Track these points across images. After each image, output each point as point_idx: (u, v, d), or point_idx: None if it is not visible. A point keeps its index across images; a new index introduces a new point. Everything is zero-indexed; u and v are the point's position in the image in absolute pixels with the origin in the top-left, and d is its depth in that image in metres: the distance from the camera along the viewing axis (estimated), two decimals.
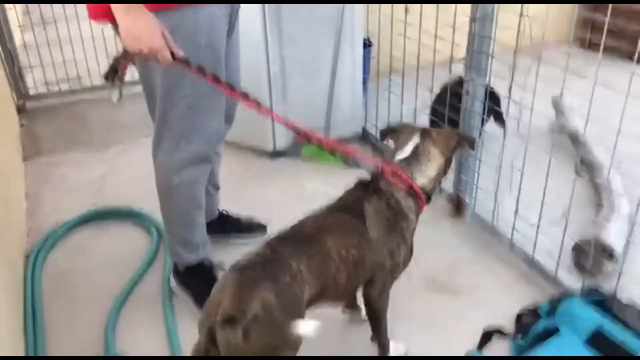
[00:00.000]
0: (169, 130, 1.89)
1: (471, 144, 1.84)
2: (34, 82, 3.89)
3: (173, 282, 2.23)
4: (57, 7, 3.76)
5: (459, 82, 2.57)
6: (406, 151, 1.77)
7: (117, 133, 3.56)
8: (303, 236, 1.57)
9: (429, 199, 1.78)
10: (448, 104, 2.64)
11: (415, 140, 1.77)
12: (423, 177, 1.74)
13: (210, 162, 2.05)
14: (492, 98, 2.62)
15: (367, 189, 1.71)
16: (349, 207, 1.68)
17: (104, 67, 1.76)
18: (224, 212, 2.51)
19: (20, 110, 3.76)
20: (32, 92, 3.88)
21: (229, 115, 2.13)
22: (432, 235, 2.57)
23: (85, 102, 3.99)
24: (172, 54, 1.64)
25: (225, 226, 2.46)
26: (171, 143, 1.91)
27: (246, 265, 1.44)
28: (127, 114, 3.72)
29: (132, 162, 3.21)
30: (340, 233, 1.60)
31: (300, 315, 1.45)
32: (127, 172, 3.12)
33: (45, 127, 3.67)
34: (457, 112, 2.56)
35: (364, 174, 1.80)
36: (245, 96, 1.78)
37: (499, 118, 2.81)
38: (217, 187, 2.41)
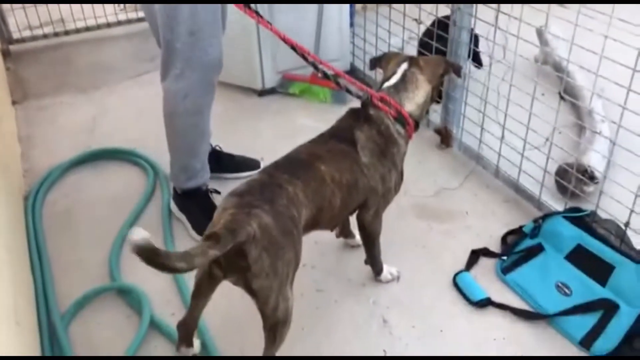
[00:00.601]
0: (175, 58, 1.96)
1: (457, 70, 1.90)
2: (17, 26, 3.83)
3: (173, 206, 2.35)
4: None
5: (447, 17, 2.59)
6: (394, 79, 1.82)
7: (104, 75, 3.54)
8: (298, 162, 1.63)
9: (417, 125, 1.84)
10: (436, 36, 2.67)
11: (403, 67, 1.82)
12: (411, 104, 1.80)
13: (213, 92, 2.10)
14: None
15: (357, 116, 1.77)
16: (340, 135, 1.74)
17: (87, 8, 1.78)
18: (217, 147, 2.57)
19: (5, 54, 3.72)
20: (15, 35, 3.82)
21: None
22: (420, 166, 2.65)
23: (69, 45, 3.94)
24: None
25: (219, 163, 2.52)
26: (177, 71, 1.98)
27: (245, 190, 1.51)
28: (111, 57, 3.70)
29: (120, 103, 3.22)
30: (334, 158, 1.67)
31: (298, 235, 1.52)
32: (117, 113, 3.13)
33: (32, 71, 3.65)
34: (446, 44, 2.59)
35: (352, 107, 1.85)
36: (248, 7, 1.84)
37: (477, 58, 2.85)
38: None
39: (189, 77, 1.98)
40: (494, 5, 2.26)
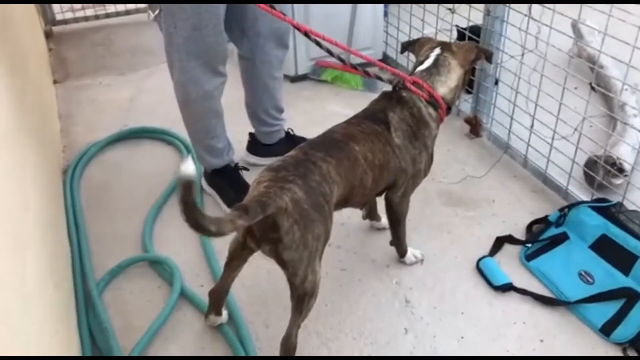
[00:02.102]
0: (177, 51, 2.04)
1: (489, 57, 1.93)
2: (60, 7, 3.96)
3: (204, 183, 2.44)
4: None
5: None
6: (427, 63, 1.86)
7: (142, 57, 3.65)
8: (332, 142, 1.68)
9: (449, 109, 1.88)
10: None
11: (436, 52, 1.86)
12: (443, 87, 1.83)
13: (223, 77, 2.17)
14: (477, 34, 2.66)
15: (390, 98, 1.81)
16: (374, 116, 1.78)
17: None
18: (290, 131, 2.63)
19: (48, 35, 3.85)
20: (58, 17, 3.95)
21: (281, 38, 2.26)
22: (449, 154, 2.68)
23: (110, 27, 4.06)
24: None
25: (295, 145, 2.59)
26: (182, 63, 2.06)
27: (280, 166, 1.56)
28: (150, 39, 3.79)
29: (157, 84, 3.31)
30: (367, 139, 1.71)
31: (329, 211, 1.57)
32: (154, 94, 3.22)
33: (73, 52, 3.77)
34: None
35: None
36: (272, 8, 1.85)
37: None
38: (280, 110, 2.52)
39: (193, 67, 2.06)
40: None
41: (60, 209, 2.30)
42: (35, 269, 1.50)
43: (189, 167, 1.26)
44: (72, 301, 1.92)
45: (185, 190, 1.26)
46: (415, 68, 1.89)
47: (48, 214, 1.96)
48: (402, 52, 2.02)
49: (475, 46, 1.92)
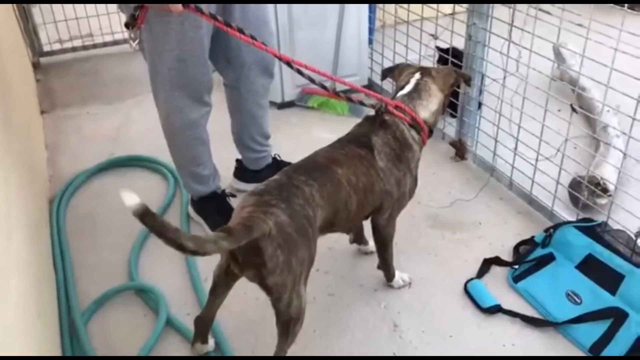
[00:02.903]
0: (162, 81, 2.05)
1: (467, 80, 1.96)
2: (47, 39, 3.99)
3: (190, 210, 2.44)
4: None
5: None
6: (408, 87, 1.89)
7: (129, 87, 3.66)
8: (316, 165, 1.68)
9: (431, 132, 1.89)
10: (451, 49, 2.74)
11: (416, 77, 1.89)
12: (425, 111, 1.85)
13: (208, 106, 2.18)
14: (457, 56, 2.70)
15: (374, 122, 1.83)
16: (358, 140, 1.79)
17: (115, 23, 1.88)
18: (276, 156, 2.64)
19: (35, 66, 3.86)
20: (46, 48, 3.98)
21: (266, 68, 2.28)
22: (435, 177, 2.69)
23: (97, 57, 4.09)
24: (184, 3, 1.75)
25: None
26: (166, 93, 2.07)
27: (263, 190, 1.57)
28: (137, 69, 3.81)
29: (144, 113, 3.31)
30: (351, 162, 1.72)
31: (313, 234, 1.57)
32: (141, 123, 3.23)
33: (60, 82, 3.78)
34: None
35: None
36: (253, 38, 1.87)
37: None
38: (267, 137, 2.53)
39: (178, 97, 2.07)
40: (508, 20, 2.31)
41: (46, 239, 2.29)
42: (19, 297, 1.48)
43: (129, 197, 1.25)
44: (56, 330, 1.90)
45: (144, 218, 1.25)
46: (396, 93, 1.92)
47: (33, 243, 1.95)
48: (382, 79, 2.06)
49: (454, 70, 1.95)
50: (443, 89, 1.89)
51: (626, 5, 1.90)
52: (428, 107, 1.86)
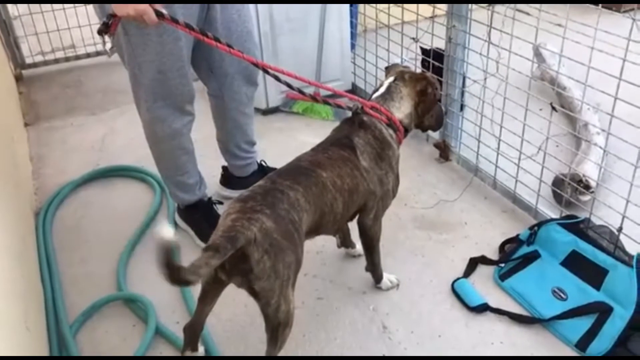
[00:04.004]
0: (143, 92, 2.06)
1: (436, 87, 1.96)
2: (29, 51, 3.97)
3: (178, 219, 2.44)
4: None
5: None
6: (381, 90, 1.93)
7: (113, 97, 3.66)
8: (299, 169, 1.70)
9: (406, 131, 1.92)
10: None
11: (389, 80, 1.94)
12: (399, 112, 1.90)
13: (190, 115, 2.19)
14: (439, 59, 2.73)
15: (353, 123, 1.85)
16: (340, 142, 1.81)
17: (97, 34, 1.88)
18: (262, 163, 2.65)
19: (18, 78, 3.85)
20: (28, 60, 3.96)
21: (249, 77, 2.28)
22: (420, 179, 2.72)
23: (80, 69, 4.07)
24: (159, 14, 1.76)
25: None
26: (148, 103, 2.08)
27: (248, 196, 1.58)
28: (120, 79, 3.77)
29: (129, 123, 3.31)
30: (334, 165, 1.74)
31: (299, 238, 1.58)
32: (126, 132, 3.22)
33: (43, 94, 3.76)
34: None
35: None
36: (230, 47, 1.88)
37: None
38: (252, 143, 2.53)
39: (160, 107, 2.08)
40: (487, 21, 2.34)
41: (32, 251, 2.28)
42: (7, 311, 1.48)
43: (167, 231, 1.30)
44: (45, 343, 1.89)
45: (165, 254, 1.29)
46: (372, 94, 1.96)
47: (20, 257, 1.94)
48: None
49: (424, 77, 1.95)
50: (410, 94, 1.92)
51: (600, 4, 1.93)
52: (401, 109, 1.90)
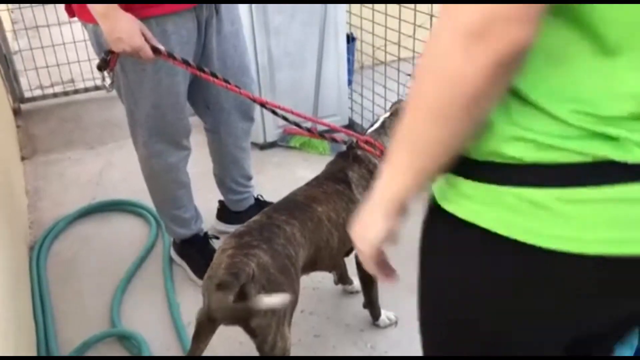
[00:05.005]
0: (140, 127, 2.07)
1: None
2: (28, 85, 3.99)
3: (173, 253, 2.42)
4: (49, 12, 3.86)
5: None
6: (376, 125, 1.96)
7: (111, 131, 3.67)
8: (295, 204, 1.70)
9: None
10: None
11: (385, 115, 1.97)
12: None
13: (186, 150, 2.20)
14: None
15: (347, 157, 1.86)
16: (334, 176, 1.82)
17: (97, 69, 1.89)
18: (259, 197, 2.64)
19: (16, 112, 3.85)
20: (27, 94, 3.98)
21: (245, 112, 2.30)
22: (416, 214, 2.70)
23: (78, 103, 4.09)
24: (155, 50, 1.78)
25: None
26: (144, 138, 2.09)
27: (243, 231, 1.57)
28: (119, 113, 3.77)
29: (126, 157, 3.29)
30: (330, 199, 1.74)
31: (296, 274, 1.57)
32: (123, 166, 3.22)
33: (41, 128, 3.77)
34: None
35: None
36: (227, 82, 1.90)
37: None
38: (249, 178, 2.53)
39: (156, 142, 2.09)
40: None
41: (26, 286, 2.25)
42: None
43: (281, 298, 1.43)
44: None
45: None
46: (368, 129, 1.98)
47: (13, 291, 1.91)
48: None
49: None
50: None
51: None
52: None
